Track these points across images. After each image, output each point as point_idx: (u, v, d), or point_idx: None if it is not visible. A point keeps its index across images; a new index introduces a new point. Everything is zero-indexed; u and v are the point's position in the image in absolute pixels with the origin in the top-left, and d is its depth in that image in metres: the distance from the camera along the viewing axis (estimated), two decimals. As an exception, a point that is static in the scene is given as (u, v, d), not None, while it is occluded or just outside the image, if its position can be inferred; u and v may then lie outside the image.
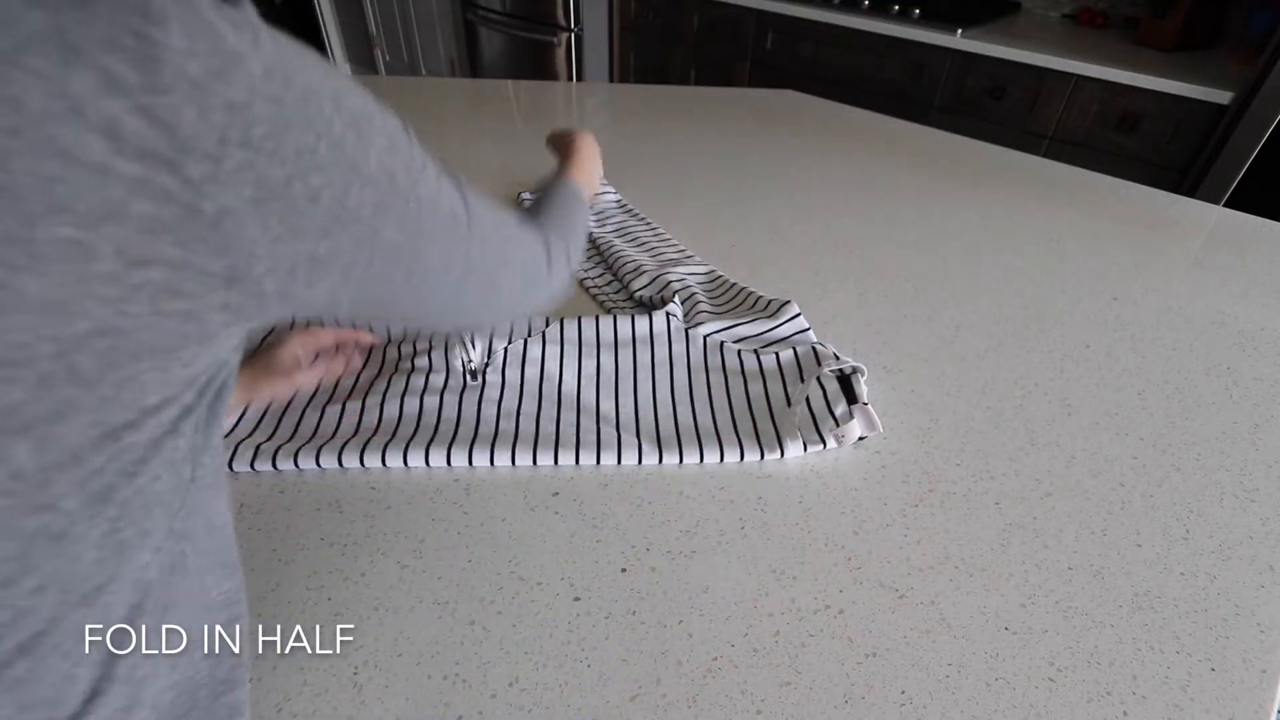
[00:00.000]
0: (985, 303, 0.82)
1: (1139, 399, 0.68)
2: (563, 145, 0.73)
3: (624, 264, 0.82)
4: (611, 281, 0.82)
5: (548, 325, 0.71)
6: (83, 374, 0.22)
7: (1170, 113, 1.57)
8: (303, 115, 0.25)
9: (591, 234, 0.89)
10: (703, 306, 0.76)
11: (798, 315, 0.74)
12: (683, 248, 0.88)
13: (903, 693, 0.44)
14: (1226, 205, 1.48)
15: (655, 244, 0.89)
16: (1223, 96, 1.49)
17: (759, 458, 0.59)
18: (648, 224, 0.94)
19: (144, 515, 0.27)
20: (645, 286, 0.78)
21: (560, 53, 2.69)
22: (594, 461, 0.58)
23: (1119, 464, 0.61)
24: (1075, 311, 0.81)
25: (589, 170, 0.70)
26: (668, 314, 0.72)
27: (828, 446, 0.60)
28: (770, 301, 0.76)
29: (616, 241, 0.87)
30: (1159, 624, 0.48)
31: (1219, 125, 1.51)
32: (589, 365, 0.67)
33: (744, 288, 0.79)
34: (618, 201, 0.99)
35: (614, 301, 0.79)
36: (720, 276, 0.82)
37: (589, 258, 0.86)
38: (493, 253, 0.40)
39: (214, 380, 0.29)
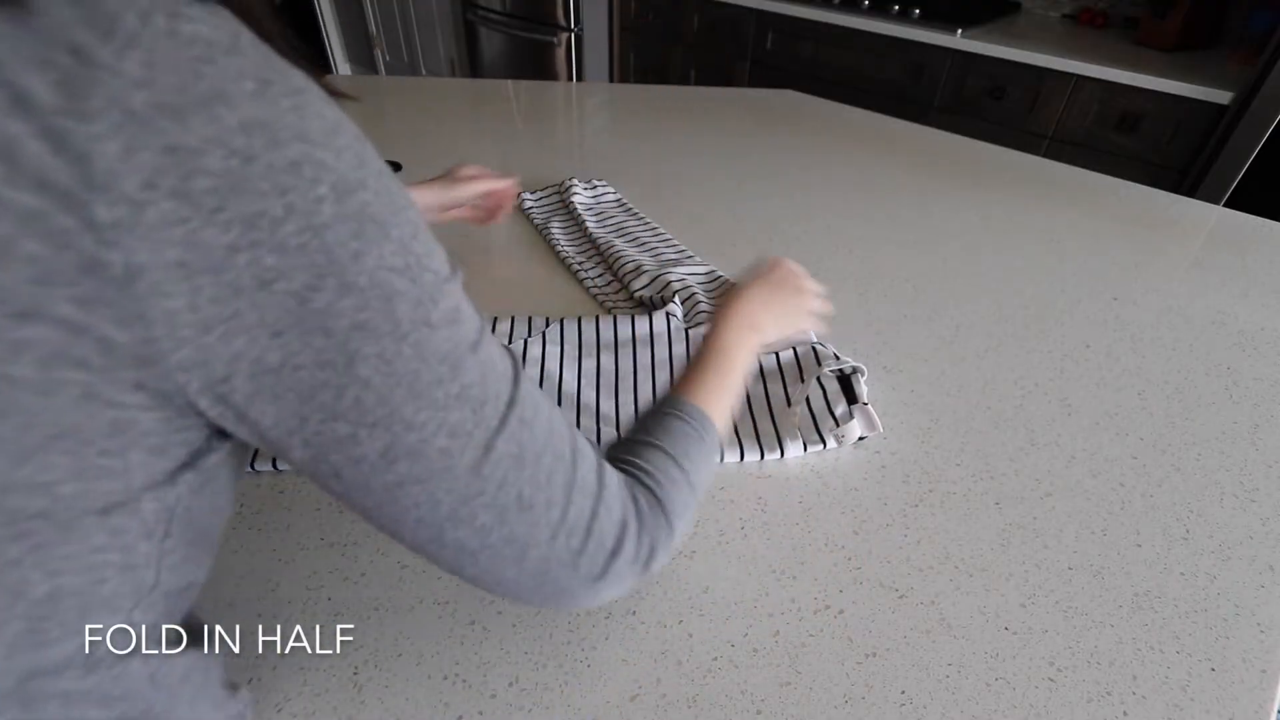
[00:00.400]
0: (985, 303, 0.82)
1: (1139, 399, 0.68)
2: (731, 293, 0.52)
3: (624, 264, 0.81)
4: (611, 281, 0.82)
5: (548, 325, 0.71)
6: None
7: (1170, 113, 1.57)
8: (277, 184, 0.21)
9: (591, 233, 0.89)
10: (703, 307, 0.76)
11: (798, 315, 0.74)
12: (683, 248, 0.88)
13: (903, 693, 0.44)
14: (1226, 205, 1.48)
15: (655, 244, 0.89)
16: (1223, 96, 1.49)
17: (759, 458, 0.59)
18: (648, 224, 0.94)
19: (77, 617, 0.24)
20: (645, 286, 0.78)
21: (560, 53, 2.69)
22: (594, 461, 0.58)
23: (1119, 464, 0.61)
24: (1075, 311, 0.81)
25: (750, 347, 0.48)
26: (668, 314, 0.72)
27: (828, 446, 0.60)
28: (770, 301, 0.76)
29: (617, 241, 0.87)
30: (1159, 624, 0.48)
31: (1219, 125, 1.51)
32: (589, 365, 0.67)
33: (744, 288, 0.79)
34: (618, 201, 0.99)
35: (614, 301, 0.79)
36: (720, 276, 0.82)
37: (589, 257, 0.86)
38: (540, 479, 0.29)
39: (173, 480, 0.25)
